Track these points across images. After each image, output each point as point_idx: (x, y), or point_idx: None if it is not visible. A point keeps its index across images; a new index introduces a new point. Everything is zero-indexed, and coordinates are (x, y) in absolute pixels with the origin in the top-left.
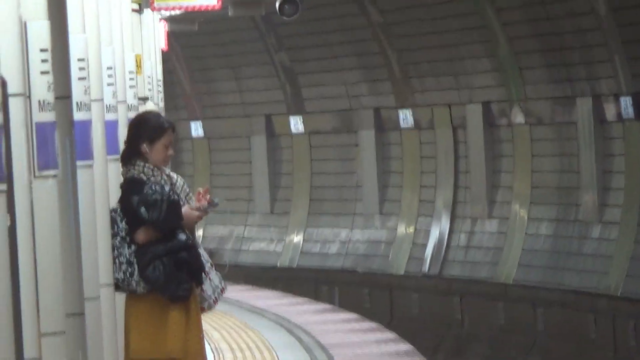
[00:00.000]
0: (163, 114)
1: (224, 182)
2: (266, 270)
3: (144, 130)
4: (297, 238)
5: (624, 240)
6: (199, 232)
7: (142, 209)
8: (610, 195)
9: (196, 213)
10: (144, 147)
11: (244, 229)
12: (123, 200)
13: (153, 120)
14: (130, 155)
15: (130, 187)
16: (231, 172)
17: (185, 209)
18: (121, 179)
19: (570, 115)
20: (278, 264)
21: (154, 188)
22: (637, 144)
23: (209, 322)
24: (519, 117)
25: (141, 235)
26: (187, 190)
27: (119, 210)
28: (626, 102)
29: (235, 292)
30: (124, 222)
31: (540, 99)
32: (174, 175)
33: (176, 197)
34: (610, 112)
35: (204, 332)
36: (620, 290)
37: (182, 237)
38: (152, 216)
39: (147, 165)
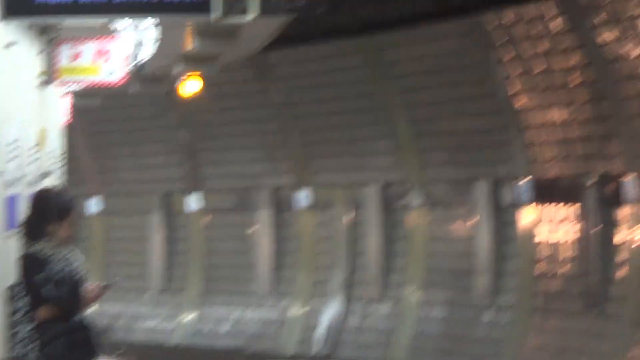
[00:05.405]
0: (64, 189)
1: (119, 258)
2: (158, 348)
3: (50, 208)
4: (191, 316)
5: (516, 325)
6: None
7: (47, 287)
8: (504, 279)
9: (94, 293)
10: (52, 225)
11: (137, 306)
12: (25, 277)
13: (59, 199)
14: (35, 232)
15: (33, 264)
16: (127, 249)
17: (83, 289)
18: (20, 254)
19: (468, 198)
20: (170, 342)
21: (58, 267)
22: (531, 229)
23: None
24: (416, 200)
25: (43, 313)
26: (85, 268)
27: (20, 286)
28: (522, 187)
29: None
30: (25, 299)
31: (439, 181)
32: (76, 253)
33: (79, 276)
34: (506, 196)
35: None
36: None
37: (81, 316)
38: (56, 295)
39: (50, 242)
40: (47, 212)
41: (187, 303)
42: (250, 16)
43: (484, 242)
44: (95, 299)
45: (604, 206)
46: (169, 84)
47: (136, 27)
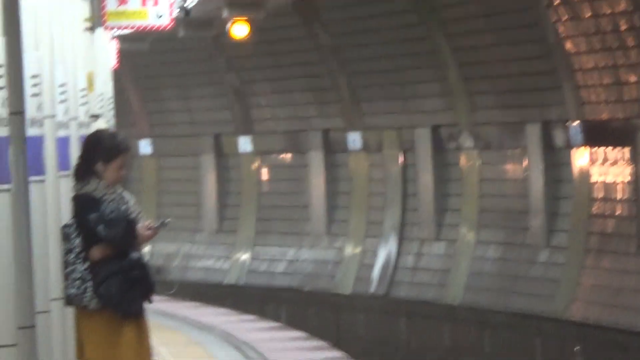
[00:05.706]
0: (117, 131)
1: (172, 199)
2: (213, 287)
3: (100, 149)
4: (245, 256)
5: (571, 265)
6: (147, 248)
7: (100, 227)
8: (558, 220)
9: (148, 232)
10: (99, 166)
11: (191, 246)
12: (78, 217)
13: (109, 141)
14: (85, 173)
15: (86, 204)
16: (179, 190)
17: (137, 228)
18: (72, 195)
19: (519, 140)
20: (225, 282)
21: (111, 207)
22: (584, 171)
23: (156, 337)
24: (467, 142)
25: (97, 253)
26: (138, 209)
27: (73, 226)
28: (574, 129)
29: (182, 308)
30: (79, 239)
31: (490, 124)
32: (126, 194)
33: (132, 216)
34: (558, 138)
35: (153, 348)
36: (566, 313)
37: (135, 255)
38: (110, 234)
39: (101, 183)
40: (96, 153)
41: (241, 243)
42: None
43: (537, 183)
44: (148, 238)
45: None
46: (217, 28)
47: None
